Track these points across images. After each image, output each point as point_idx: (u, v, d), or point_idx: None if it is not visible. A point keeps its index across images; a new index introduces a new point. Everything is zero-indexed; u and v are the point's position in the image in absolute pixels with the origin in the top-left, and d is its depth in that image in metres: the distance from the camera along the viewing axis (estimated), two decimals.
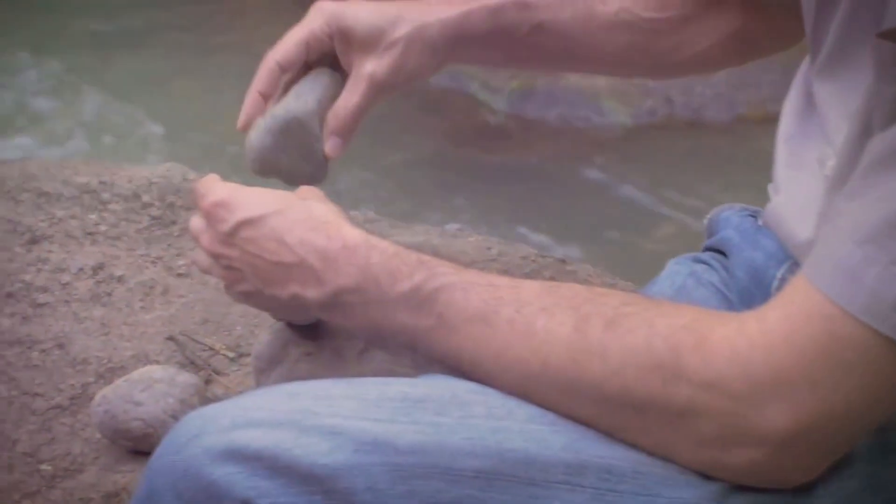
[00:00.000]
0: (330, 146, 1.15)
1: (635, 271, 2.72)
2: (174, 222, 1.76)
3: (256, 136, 1.12)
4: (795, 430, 0.82)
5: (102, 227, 1.74)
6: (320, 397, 0.90)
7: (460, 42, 1.20)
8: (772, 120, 3.57)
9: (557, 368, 0.89)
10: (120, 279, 1.68)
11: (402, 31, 1.18)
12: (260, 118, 1.13)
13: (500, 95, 3.80)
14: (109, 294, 1.66)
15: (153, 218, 1.76)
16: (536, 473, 0.87)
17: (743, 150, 3.66)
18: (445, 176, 3.50)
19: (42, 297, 1.65)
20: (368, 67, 1.16)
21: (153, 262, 1.70)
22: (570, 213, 3.32)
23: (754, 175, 3.39)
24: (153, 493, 0.90)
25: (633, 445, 0.89)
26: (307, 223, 1.00)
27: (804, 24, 1.05)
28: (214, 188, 1.04)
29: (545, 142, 3.70)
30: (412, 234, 1.72)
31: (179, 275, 1.69)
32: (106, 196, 1.78)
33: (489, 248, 1.73)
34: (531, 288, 0.93)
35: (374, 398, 0.90)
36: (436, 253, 0.98)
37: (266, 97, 1.16)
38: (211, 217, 1.03)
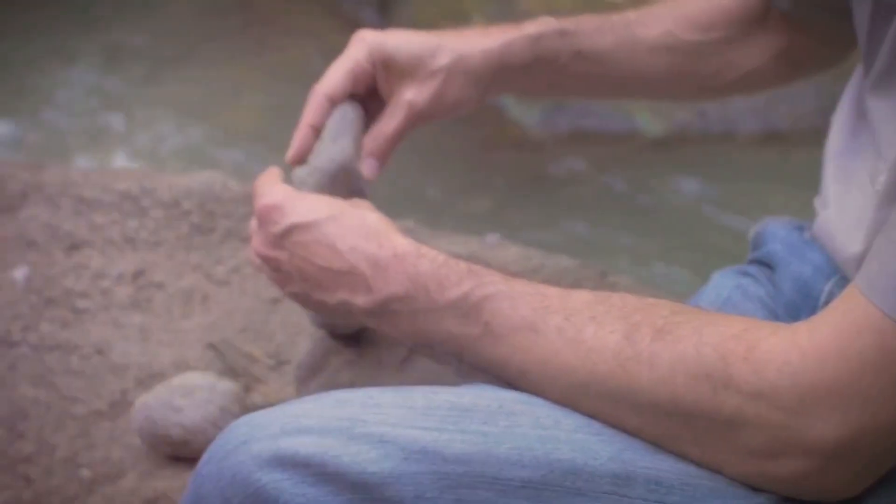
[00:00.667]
0: (367, 167, 1.16)
1: (674, 283, 2.71)
2: (214, 230, 1.77)
3: (307, 188, 1.13)
4: (844, 443, 0.82)
5: (142, 234, 1.75)
6: (369, 405, 0.90)
7: (502, 72, 1.20)
8: (806, 134, 3.55)
9: (606, 376, 0.88)
10: (160, 286, 1.68)
11: (443, 60, 1.19)
12: (301, 169, 1.14)
13: (534, 107, 3.81)
14: (149, 300, 1.66)
15: (193, 225, 1.77)
16: (584, 484, 0.87)
17: (778, 164, 3.65)
18: (479, 186, 3.51)
19: (82, 303, 1.66)
20: (408, 95, 1.17)
21: (193, 269, 1.71)
22: (604, 225, 3.31)
23: (791, 189, 3.39)
24: (200, 499, 0.90)
25: (681, 456, 0.88)
26: (359, 230, 1.00)
27: (857, 38, 1.05)
28: (270, 190, 1.05)
29: (578, 153, 3.70)
30: (451, 245, 1.72)
31: (219, 282, 1.69)
32: (146, 203, 1.79)
33: (529, 259, 1.73)
34: (580, 297, 0.93)
35: (422, 407, 0.90)
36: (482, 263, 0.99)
37: (316, 130, 1.17)
38: (263, 219, 1.04)
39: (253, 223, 1.08)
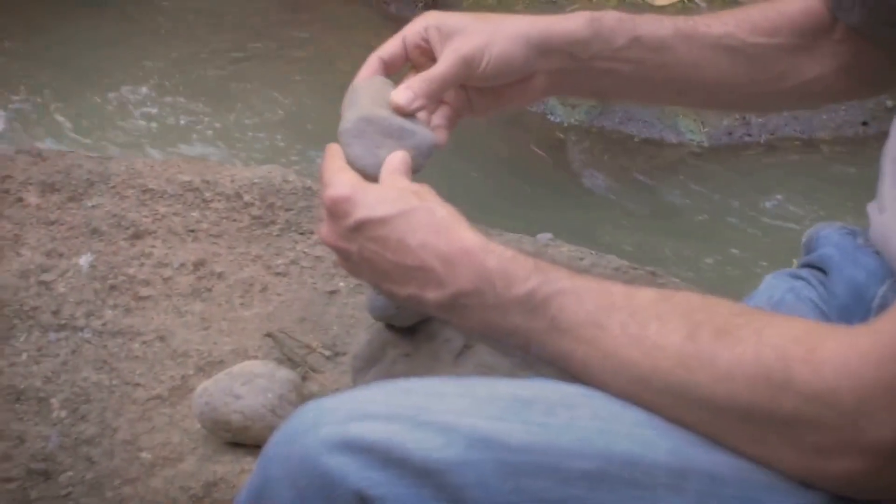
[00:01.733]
0: (403, 96, 1.14)
1: (720, 286, 2.72)
2: (274, 222, 1.80)
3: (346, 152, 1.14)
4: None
5: (204, 225, 1.78)
6: (433, 394, 0.92)
7: (553, 39, 1.19)
8: (847, 143, 3.51)
9: (667, 373, 0.90)
10: (220, 276, 1.71)
11: (492, 19, 1.19)
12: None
13: (578, 110, 3.82)
14: (209, 290, 1.69)
15: (253, 217, 1.79)
16: (641, 475, 0.88)
17: (819, 172, 3.64)
18: (523, 188, 3.52)
19: (144, 291, 1.69)
20: (456, 43, 1.16)
21: (253, 261, 1.73)
22: (648, 229, 3.32)
23: (834, 195, 3.39)
24: (268, 481, 0.93)
25: (737, 452, 0.89)
26: (429, 227, 1.01)
27: None
28: (337, 180, 1.05)
29: (622, 158, 3.71)
30: (504, 242, 1.74)
31: (278, 273, 1.72)
32: (208, 195, 1.82)
33: (581, 259, 1.75)
34: (645, 294, 0.94)
35: (484, 397, 0.91)
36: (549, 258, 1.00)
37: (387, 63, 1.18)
38: (332, 211, 1.05)
39: (322, 210, 1.08)
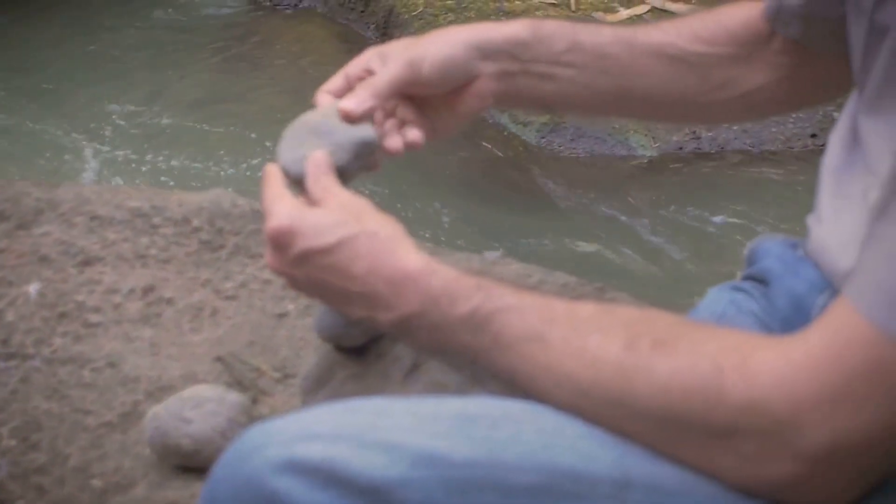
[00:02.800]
0: (350, 100, 1.15)
1: (668, 299, 2.74)
2: (223, 246, 1.80)
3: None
4: (835, 451, 0.85)
5: (153, 251, 1.78)
6: (379, 413, 0.93)
7: (493, 41, 1.20)
8: (797, 156, 3.56)
9: (606, 384, 0.92)
10: (169, 301, 1.71)
11: (430, 35, 1.22)
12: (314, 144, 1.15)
13: (530, 128, 3.84)
14: (159, 315, 1.69)
15: (202, 242, 1.79)
16: (584, 488, 0.90)
17: (768, 184, 3.67)
18: (474, 205, 3.53)
19: (94, 318, 1.69)
20: (397, 54, 1.19)
21: (202, 285, 1.73)
22: (599, 244, 3.34)
23: (782, 207, 3.42)
24: (215, 502, 0.93)
25: (679, 462, 0.91)
26: (372, 253, 1.02)
27: (851, 59, 1.07)
28: (276, 210, 1.06)
29: (573, 174, 3.73)
30: (453, 261, 1.75)
31: (227, 297, 1.72)
32: (157, 220, 1.82)
33: (529, 276, 1.76)
34: (586, 308, 0.97)
35: (430, 414, 0.93)
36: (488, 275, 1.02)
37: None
38: (274, 243, 1.05)
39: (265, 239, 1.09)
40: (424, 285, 1.00)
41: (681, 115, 1.39)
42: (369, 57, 1.21)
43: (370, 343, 1.32)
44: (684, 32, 1.26)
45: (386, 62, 1.19)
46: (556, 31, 1.23)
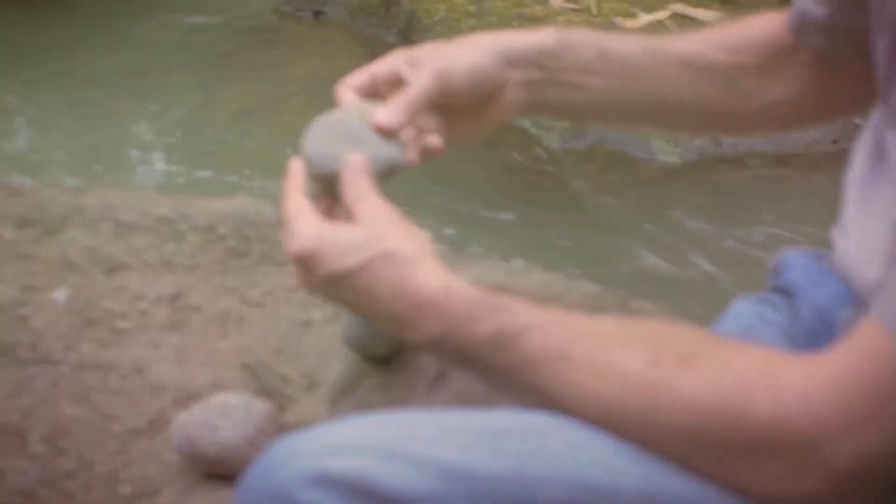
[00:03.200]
0: (385, 114, 1.14)
1: (691, 307, 2.74)
2: (249, 253, 1.81)
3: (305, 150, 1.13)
4: (860, 469, 0.84)
5: (179, 258, 1.79)
6: (405, 426, 0.93)
7: (522, 50, 1.20)
8: (818, 161, 3.54)
9: (632, 402, 0.91)
10: (196, 308, 1.72)
11: (458, 42, 1.20)
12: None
13: (552, 132, 3.83)
14: (186, 322, 1.70)
15: (228, 249, 1.80)
16: (612, 503, 0.90)
17: (790, 190, 3.66)
18: (497, 210, 3.53)
19: (121, 324, 1.70)
20: (426, 65, 1.16)
21: (228, 293, 1.74)
22: (623, 251, 3.34)
23: (805, 214, 3.41)
24: None
25: (706, 479, 0.91)
26: (393, 277, 1.02)
27: (875, 71, 1.07)
28: (299, 230, 1.05)
29: (595, 179, 3.72)
30: (478, 271, 1.76)
31: (254, 304, 1.73)
32: (183, 227, 1.83)
33: (553, 285, 1.76)
34: (608, 324, 0.97)
35: (456, 428, 0.93)
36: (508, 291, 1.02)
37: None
38: (299, 265, 1.05)
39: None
40: (445, 308, 1.00)
41: (705, 124, 1.39)
42: (397, 60, 1.20)
43: (396, 353, 1.32)
44: (710, 42, 1.25)
45: (416, 69, 1.18)
46: (584, 40, 1.22)
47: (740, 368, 0.89)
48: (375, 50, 4.33)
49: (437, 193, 3.44)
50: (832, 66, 1.23)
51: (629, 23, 4.18)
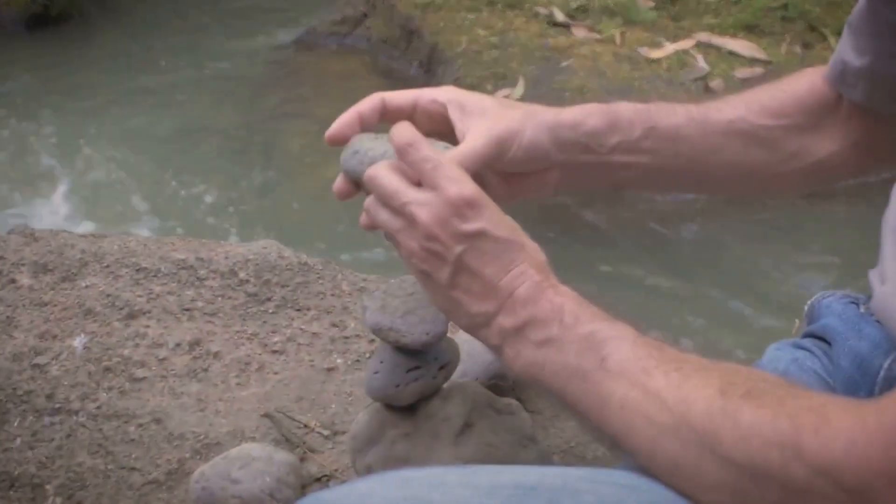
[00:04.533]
0: None
1: (725, 351, 2.70)
2: (269, 299, 1.78)
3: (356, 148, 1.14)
4: None
5: (199, 304, 1.76)
6: (434, 485, 0.91)
7: (573, 132, 1.19)
8: (852, 193, 3.48)
9: (695, 421, 0.91)
10: (216, 355, 1.69)
11: (516, 107, 1.19)
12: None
13: None
14: (206, 370, 1.67)
15: (249, 294, 1.78)
16: None
17: (823, 222, 3.63)
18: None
19: (139, 372, 1.67)
20: (487, 123, 1.16)
21: (249, 339, 1.71)
22: (647, 286, 3.31)
23: (846, 249, 3.36)
24: None
25: None
26: (530, 258, 1.04)
27: None
28: (462, 178, 1.05)
29: (615, 209, 3.70)
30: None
31: (274, 351, 1.70)
32: (203, 272, 1.81)
33: None
34: (691, 356, 0.97)
35: (487, 486, 0.91)
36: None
37: (362, 121, 1.17)
38: (454, 209, 1.04)
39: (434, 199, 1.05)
40: (557, 299, 1.02)
41: (754, 187, 1.38)
42: (448, 98, 1.18)
43: (420, 402, 1.30)
44: (753, 106, 1.25)
45: (467, 118, 1.17)
46: (632, 118, 1.21)
47: (796, 409, 0.88)
48: (397, 82, 4.33)
49: None
50: (875, 116, 1.22)
51: (654, 53, 4.15)
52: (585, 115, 1.20)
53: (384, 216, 1.08)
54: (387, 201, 1.07)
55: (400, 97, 1.18)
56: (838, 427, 0.86)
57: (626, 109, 1.21)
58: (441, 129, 1.18)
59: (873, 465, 0.83)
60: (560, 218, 3.62)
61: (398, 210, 1.06)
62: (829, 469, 0.85)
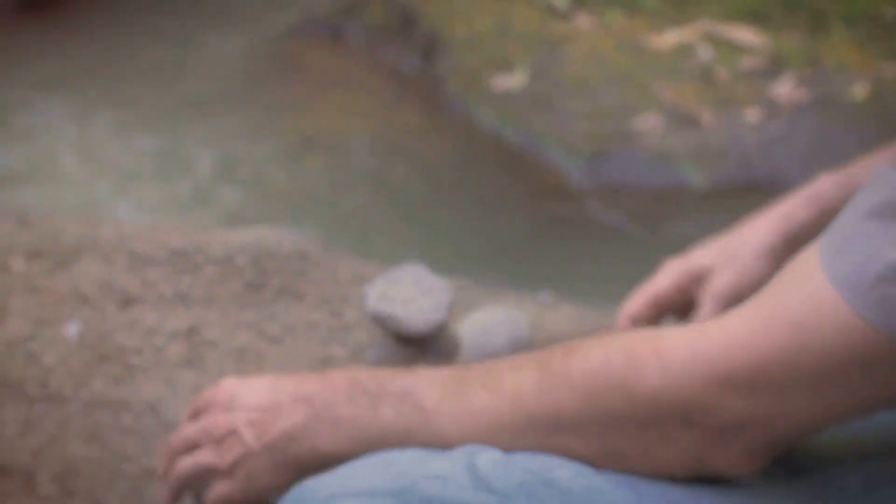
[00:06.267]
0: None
1: None
2: (267, 287, 1.77)
3: None
4: (746, 425, 0.84)
5: (195, 291, 1.75)
6: (419, 463, 0.91)
7: (794, 238, 1.20)
8: None
9: (534, 410, 0.91)
10: (212, 343, 1.68)
11: (733, 243, 1.24)
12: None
13: (577, 157, 3.81)
14: (202, 358, 1.66)
15: (246, 282, 1.77)
16: None
17: None
18: (520, 240, 3.50)
19: (135, 360, 1.66)
20: (713, 286, 1.21)
21: (246, 327, 1.70)
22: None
23: None
24: None
25: (634, 470, 0.90)
26: None
27: None
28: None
29: (621, 205, 3.70)
30: (505, 303, 1.71)
31: (272, 340, 1.69)
32: (199, 259, 1.79)
33: (584, 320, 1.73)
34: (498, 361, 0.99)
35: (465, 465, 0.91)
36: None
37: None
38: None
39: None
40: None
41: None
42: (677, 275, 1.28)
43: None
44: None
45: (699, 288, 1.24)
46: (838, 196, 1.21)
47: (626, 342, 0.89)
48: (395, 75, 4.31)
49: (453, 228, 3.42)
50: None
51: (657, 41, 4.13)
52: (796, 211, 1.21)
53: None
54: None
55: (638, 304, 1.30)
56: (675, 341, 0.87)
57: (830, 189, 1.21)
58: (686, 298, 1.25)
59: (715, 367, 0.84)
60: None
61: None
62: (671, 380, 0.85)
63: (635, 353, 0.87)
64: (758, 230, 1.21)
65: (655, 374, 0.86)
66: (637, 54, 4.09)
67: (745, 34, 4.15)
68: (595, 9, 4.36)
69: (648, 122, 3.89)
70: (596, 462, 0.90)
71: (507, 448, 0.92)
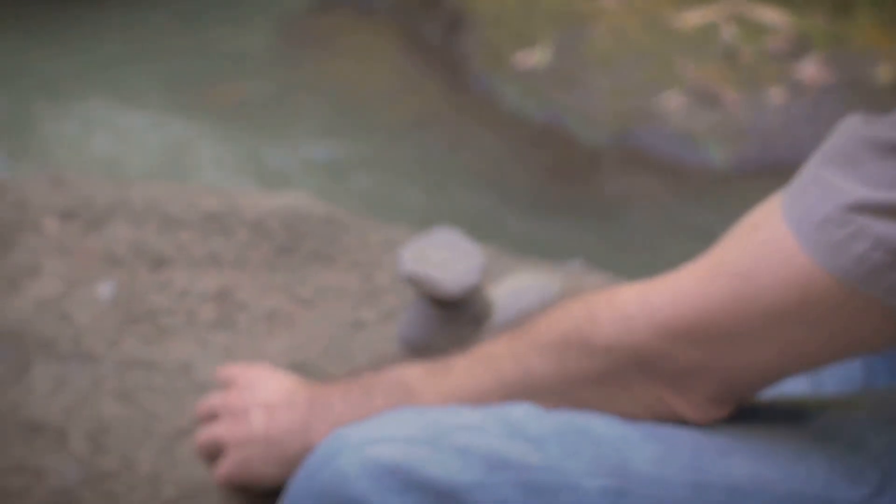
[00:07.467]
0: None
1: None
2: (298, 250, 1.77)
3: None
4: (701, 373, 0.87)
5: (227, 253, 1.75)
6: (453, 414, 0.94)
7: None
8: None
9: (507, 374, 0.95)
10: (243, 305, 1.69)
11: None
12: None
13: (600, 131, 3.81)
14: (233, 320, 1.67)
15: (277, 245, 1.77)
16: (661, 491, 0.90)
17: None
18: (544, 212, 3.50)
19: (166, 321, 1.67)
20: None
21: (277, 290, 1.71)
22: (671, 253, 3.30)
23: None
24: None
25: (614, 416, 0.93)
26: None
27: None
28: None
29: (644, 181, 3.70)
30: (535, 271, 1.71)
31: (303, 303, 1.69)
32: (231, 221, 1.80)
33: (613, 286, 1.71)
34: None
35: (499, 417, 0.94)
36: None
37: None
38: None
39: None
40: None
41: None
42: None
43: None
44: None
45: None
46: None
47: (588, 300, 0.93)
48: (419, 50, 4.31)
49: (478, 200, 3.42)
50: None
51: (682, 21, 4.12)
52: None
53: None
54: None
55: None
56: (628, 293, 0.90)
57: None
58: None
59: (667, 317, 0.87)
60: None
61: None
62: (622, 330, 0.89)
63: (592, 307, 0.91)
64: None
65: (608, 324, 0.89)
66: (662, 33, 4.08)
67: (770, 14, 4.13)
68: None
69: (672, 101, 3.89)
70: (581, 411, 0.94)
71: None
